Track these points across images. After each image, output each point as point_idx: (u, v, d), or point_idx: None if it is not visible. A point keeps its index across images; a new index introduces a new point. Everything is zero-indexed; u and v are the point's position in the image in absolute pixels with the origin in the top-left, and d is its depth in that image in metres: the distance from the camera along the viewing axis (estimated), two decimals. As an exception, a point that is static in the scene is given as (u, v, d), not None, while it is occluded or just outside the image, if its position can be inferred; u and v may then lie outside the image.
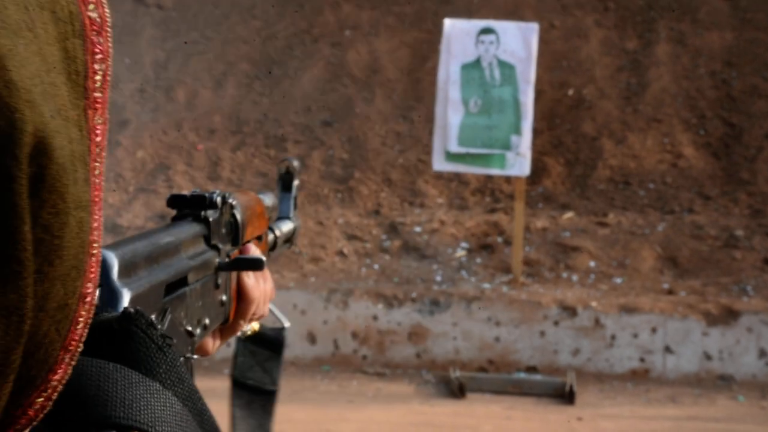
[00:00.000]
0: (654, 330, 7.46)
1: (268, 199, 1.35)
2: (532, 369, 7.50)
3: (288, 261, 8.43)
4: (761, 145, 9.89)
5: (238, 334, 1.22)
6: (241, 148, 10.32)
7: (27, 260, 0.56)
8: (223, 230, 1.11)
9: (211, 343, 1.14)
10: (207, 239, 1.06)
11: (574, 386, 6.96)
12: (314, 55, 11.29)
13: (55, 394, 0.64)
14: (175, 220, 1.06)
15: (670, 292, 7.97)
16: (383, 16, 11.69)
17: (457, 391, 7.02)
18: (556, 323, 7.55)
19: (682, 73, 10.80)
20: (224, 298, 1.12)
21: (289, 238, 1.51)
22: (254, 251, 1.20)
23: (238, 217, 1.16)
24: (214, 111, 10.77)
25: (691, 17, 11.38)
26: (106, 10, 0.64)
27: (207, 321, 1.05)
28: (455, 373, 7.21)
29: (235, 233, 1.16)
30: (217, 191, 1.09)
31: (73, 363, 0.64)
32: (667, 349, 7.45)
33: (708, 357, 7.41)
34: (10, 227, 0.55)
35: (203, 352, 1.12)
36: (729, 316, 7.44)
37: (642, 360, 7.47)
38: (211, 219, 1.07)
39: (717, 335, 7.42)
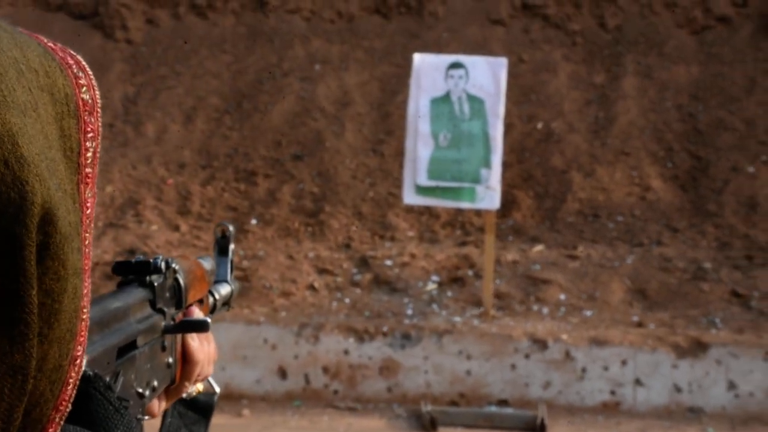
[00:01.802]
0: (624, 362, 7.50)
1: (207, 264, 1.38)
2: (503, 402, 7.52)
3: (258, 295, 8.41)
4: (728, 177, 10.01)
5: (183, 395, 1.25)
6: (211, 183, 10.32)
7: (33, 323, 0.61)
8: (167, 294, 1.15)
9: (157, 405, 1.17)
10: (152, 303, 1.10)
11: (545, 419, 6.98)
12: (284, 89, 11.34)
13: None
14: (121, 285, 1.10)
15: (639, 324, 8.02)
16: (353, 51, 11.77)
17: (428, 425, 7.02)
18: (526, 356, 7.58)
19: (650, 107, 10.93)
20: (170, 360, 1.15)
21: (227, 301, 1.54)
22: (198, 314, 1.24)
23: (181, 281, 1.20)
24: (183, 145, 10.77)
25: (657, 51, 11.54)
26: (97, 93, 0.71)
27: (155, 383, 1.09)
28: (426, 407, 7.21)
29: (179, 297, 1.19)
30: (161, 256, 1.13)
31: (61, 423, 0.68)
32: (638, 382, 7.50)
33: (678, 389, 7.46)
34: (19, 291, 0.60)
35: (150, 413, 1.15)
36: (698, 348, 7.51)
37: (612, 393, 7.51)
38: (156, 284, 1.11)
39: (686, 367, 7.47)
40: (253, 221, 9.78)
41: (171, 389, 1.20)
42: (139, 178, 10.38)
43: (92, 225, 0.70)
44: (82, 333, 0.68)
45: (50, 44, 0.68)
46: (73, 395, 0.69)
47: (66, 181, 0.65)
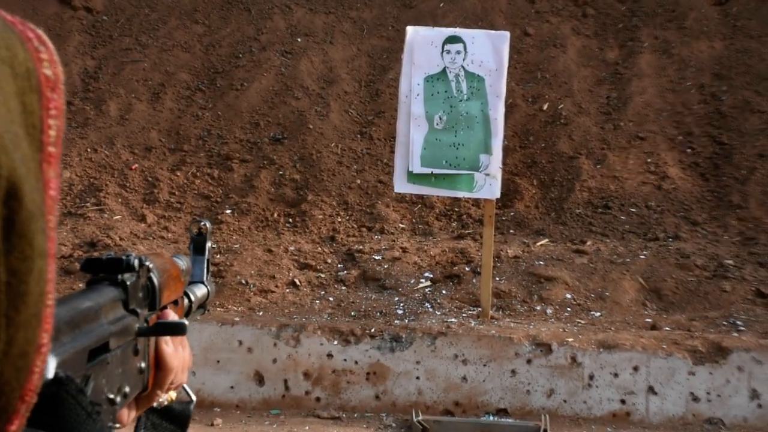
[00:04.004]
0: (636, 369, 7.56)
1: (183, 263, 1.42)
2: (502, 412, 7.57)
3: (233, 293, 8.46)
4: (753, 165, 10.06)
5: (155, 404, 1.27)
6: (181, 168, 10.35)
7: (1, 302, 0.63)
8: (140, 294, 1.18)
9: (127, 414, 1.19)
10: (125, 304, 1.13)
11: (549, 430, 7.04)
12: (262, 64, 11.37)
13: None
14: (91, 284, 1.12)
15: (653, 327, 8.07)
16: (339, 22, 11.81)
17: (419, 436, 7.07)
18: (528, 361, 7.64)
19: (668, 86, 10.99)
20: (143, 365, 1.18)
21: (203, 304, 1.58)
22: (173, 316, 1.26)
23: (155, 280, 1.22)
24: (150, 126, 10.80)
25: (677, 25, 11.59)
26: (60, 69, 0.73)
27: (127, 389, 1.12)
28: (418, 417, 7.26)
29: (153, 298, 1.22)
30: (133, 254, 1.15)
31: (27, 415, 0.70)
32: (651, 390, 7.56)
33: (695, 398, 7.52)
34: None
35: (120, 422, 1.16)
36: (718, 353, 7.56)
37: (623, 402, 7.57)
38: (128, 283, 1.13)
39: (704, 374, 7.53)
40: (228, 211, 9.82)
41: (142, 397, 1.22)
42: (101, 163, 10.41)
43: (56, 207, 0.71)
44: (47, 320, 0.70)
45: (8, 17, 0.69)
46: (39, 386, 0.70)
47: (29, 158, 0.66)
